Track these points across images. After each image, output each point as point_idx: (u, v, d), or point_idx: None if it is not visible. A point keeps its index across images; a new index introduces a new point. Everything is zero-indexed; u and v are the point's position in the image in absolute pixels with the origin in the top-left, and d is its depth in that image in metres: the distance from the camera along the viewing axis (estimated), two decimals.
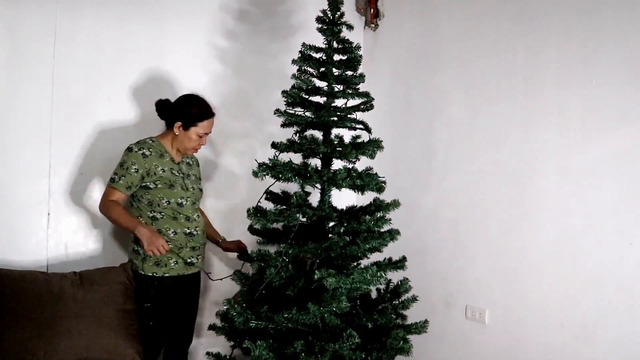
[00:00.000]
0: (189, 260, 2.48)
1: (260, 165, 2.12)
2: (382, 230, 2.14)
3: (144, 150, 2.41)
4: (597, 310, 2.29)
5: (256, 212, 2.12)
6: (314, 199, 2.28)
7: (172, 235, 2.42)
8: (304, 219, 2.18)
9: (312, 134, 2.17)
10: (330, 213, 2.16)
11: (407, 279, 2.39)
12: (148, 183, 2.41)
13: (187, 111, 2.44)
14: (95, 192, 2.73)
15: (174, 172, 2.48)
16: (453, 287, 2.90)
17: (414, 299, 2.31)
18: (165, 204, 2.42)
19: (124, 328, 2.31)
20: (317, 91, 2.18)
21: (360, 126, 2.20)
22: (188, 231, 2.47)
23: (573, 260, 2.37)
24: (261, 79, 3.14)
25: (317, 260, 2.13)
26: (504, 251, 2.65)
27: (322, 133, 2.20)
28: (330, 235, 2.14)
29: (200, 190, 2.63)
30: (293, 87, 2.15)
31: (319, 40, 2.17)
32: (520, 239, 2.58)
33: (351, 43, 2.18)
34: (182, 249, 2.44)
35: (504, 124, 2.67)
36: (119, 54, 2.75)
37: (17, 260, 2.51)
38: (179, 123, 2.44)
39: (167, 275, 2.42)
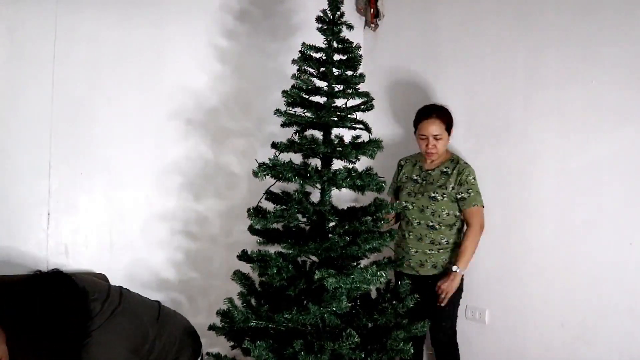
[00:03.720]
0: (406, 263, 2.67)
1: (261, 165, 2.12)
2: (382, 230, 2.14)
3: (401, 161, 2.85)
4: (597, 310, 2.29)
5: (257, 213, 2.12)
6: (314, 199, 2.27)
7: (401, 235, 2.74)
8: (304, 219, 2.18)
9: (312, 134, 2.17)
10: (331, 210, 2.15)
11: (407, 279, 2.39)
12: (398, 187, 2.79)
13: (413, 121, 2.72)
14: (96, 192, 2.73)
15: (416, 178, 2.73)
16: None
17: (414, 299, 2.30)
18: (410, 207, 2.69)
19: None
20: (317, 91, 2.17)
21: (361, 126, 2.20)
22: (403, 234, 2.72)
23: (573, 260, 2.37)
24: (261, 79, 3.14)
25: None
26: (504, 251, 2.66)
27: (322, 133, 2.20)
28: (330, 235, 2.13)
29: (436, 199, 2.63)
30: (293, 87, 2.15)
31: (319, 40, 2.17)
32: (520, 239, 2.58)
33: (351, 43, 2.17)
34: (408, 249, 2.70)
35: (504, 123, 2.67)
36: (119, 54, 2.75)
37: (17, 260, 2.51)
38: (414, 132, 2.73)
39: (402, 272, 2.67)
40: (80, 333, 1.96)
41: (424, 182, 2.68)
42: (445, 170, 2.65)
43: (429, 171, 2.69)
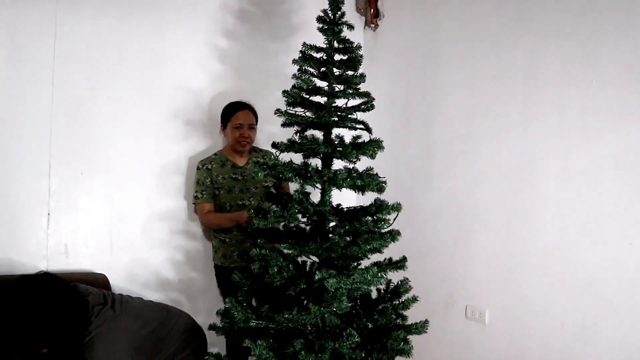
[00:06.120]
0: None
1: (261, 165, 2.12)
2: (382, 231, 2.13)
3: (207, 165, 2.82)
4: (597, 310, 2.29)
5: (257, 212, 2.12)
6: (315, 199, 2.27)
7: (235, 232, 2.79)
8: (305, 219, 2.18)
9: (312, 134, 2.17)
10: (331, 210, 2.15)
11: (407, 279, 2.38)
12: (215, 191, 2.81)
13: (222, 114, 2.87)
14: (96, 192, 2.73)
15: (235, 176, 2.83)
16: (453, 287, 2.91)
17: (414, 299, 2.30)
18: (229, 208, 2.80)
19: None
20: (318, 91, 2.17)
21: (361, 126, 2.20)
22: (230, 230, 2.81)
23: (573, 260, 2.37)
24: (261, 78, 3.14)
25: None
26: (504, 251, 2.66)
27: (322, 133, 2.19)
28: (330, 235, 2.13)
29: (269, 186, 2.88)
30: (293, 86, 2.14)
31: (319, 40, 2.17)
32: (520, 239, 2.58)
33: (352, 43, 2.17)
34: (244, 244, 2.76)
35: (504, 124, 2.67)
36: (119, 54, 2.75)
37: (17, 260, 2.51)
38: (221, 127, 2.89)
39: (231, 266, 2.73)
40: (80, 330, 1.97)
41: (243, 178, 2.84)
42: (256, 161, 2.85)
43: (244, 167, 2.86)
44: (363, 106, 2.19)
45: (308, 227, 2.22)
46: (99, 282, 2.53)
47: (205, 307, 2.98)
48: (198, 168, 2.84)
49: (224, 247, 2.83)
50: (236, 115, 2.81)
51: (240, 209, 2.78)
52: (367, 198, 2.18)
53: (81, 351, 1.96)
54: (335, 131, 2.19)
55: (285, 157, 2.16)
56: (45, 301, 1.93)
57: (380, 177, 2.16)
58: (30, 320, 1.89)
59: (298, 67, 2.16)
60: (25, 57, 2.54)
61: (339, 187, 2.11)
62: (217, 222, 2.83)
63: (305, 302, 2.07)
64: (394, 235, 2.16)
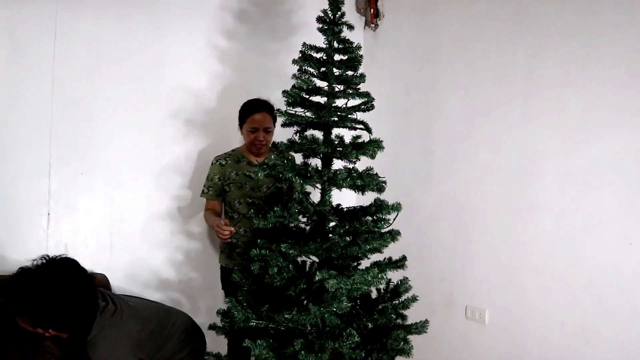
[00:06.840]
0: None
1: (261, 165, 2.12)
2: (382, 231, 2.13)
3: (221, 160, 2.75)
4: (597, 310, 2.29)
5: (257, 213, 2.12)
6: (315, 199, 2.27)
7: (242, 232, 2.68)
8: (305, 219, 2.18)
9: (312, 134, 2.17)
10: (331, 210, 2.15)
11: (407, 278, 2.38)
12: (225, 187, 2.72)
13: (239, 114, 2.74)
14: (96, 192, 2.73)
15: (249, 173, 2.73)
16: (453, 287, 2.91)
17: (414, 299, 2.30)
18: (238, 205, 2.70)
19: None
20: (318, 91, 2.17)
21: (361, 126, 2.20)
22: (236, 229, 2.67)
23: (573, 260, 2.37)
24: (261, 78, 3.14)
25: None
26: (504, 251, 2.66)
27: (322, 133, 2.19)
28: (330, 235, 2.13)
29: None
30: (293, 87, 2.14)
31: (319, 40, 2.17)
32: (520, 239, 2.59)
33: (352, 43, 2.17)
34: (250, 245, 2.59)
35: (504, 124, 2.67)
36: (119, 54, 2.75)
37: (17, 260, 2.50)
38: (238, 125, 2.77)
39: (236, 268, 2.62)
40: (91, 321, 1.98)
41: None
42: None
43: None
44: (363, 106, 2.19)
45: (308, 227, 2.22)
46: (99, 282, 2.52)
47: (205, 307, 2.98)
48: (212, 163, 2.76)
49: (230, 248, 2.76)
50: (252, 118, 2.68)
51: (249, 207, 2.68)
52: (367, 198, 2.18)
53: (84, 345, 1.97)
54: (335, 131, 2.19)
55: None
56: (69, 282, 1.93)
57: (380, 177, 2.16)
58: (45, 301, 1.88)
59: (298, 67, 2.16)
60: (25, 57, 2.54)
61: (339, 187, 2.11)
62: (207, 222, 2.76)
63: (305, 302, 2.07)
64: (394, 235, 2.16)
